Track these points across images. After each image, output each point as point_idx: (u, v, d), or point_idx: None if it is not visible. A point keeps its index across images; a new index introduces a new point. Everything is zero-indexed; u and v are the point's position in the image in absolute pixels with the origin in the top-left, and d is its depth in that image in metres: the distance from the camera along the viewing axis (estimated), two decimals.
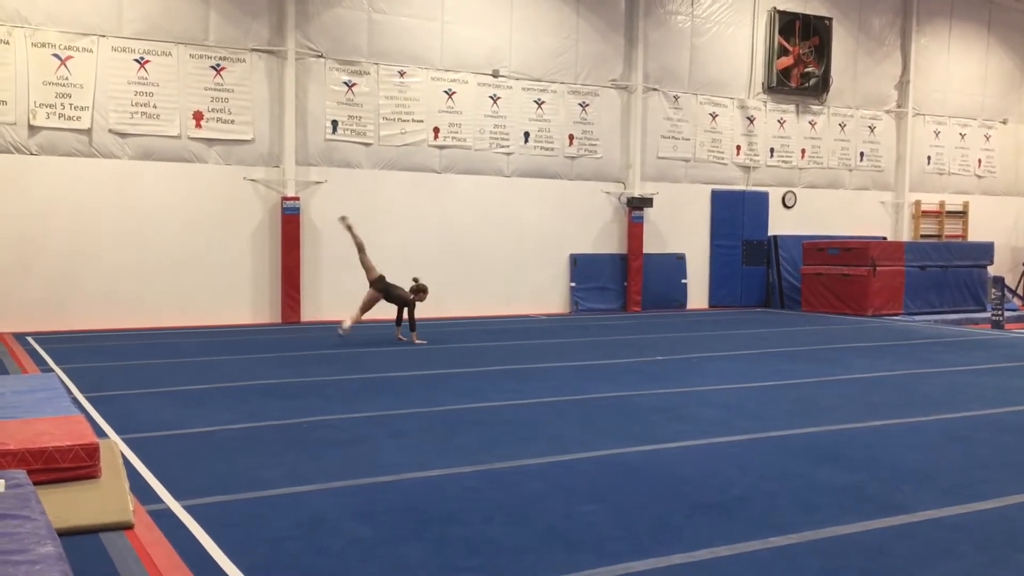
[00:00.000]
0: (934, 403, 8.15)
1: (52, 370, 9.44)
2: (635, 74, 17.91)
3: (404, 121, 15.99)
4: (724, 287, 19.36)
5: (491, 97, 16.77)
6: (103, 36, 13.75)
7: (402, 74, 15.92)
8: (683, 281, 18.89)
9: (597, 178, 17.95)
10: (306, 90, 15.19)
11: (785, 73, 19.47)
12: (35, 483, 4.31)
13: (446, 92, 16.33)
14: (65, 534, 3.98)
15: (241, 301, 14.98)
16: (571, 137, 17.61)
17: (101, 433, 6.39)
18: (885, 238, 20.60)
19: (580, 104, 17.63)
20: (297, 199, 14.98)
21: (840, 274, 17.78)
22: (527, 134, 17.15)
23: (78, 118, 13.62)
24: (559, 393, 8.42)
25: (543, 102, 17.25)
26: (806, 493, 5.14)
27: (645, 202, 18.00)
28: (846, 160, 20.67)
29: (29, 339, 12.31)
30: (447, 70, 16.30)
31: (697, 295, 19.15)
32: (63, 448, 4.98)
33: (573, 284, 17.77)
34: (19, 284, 13.40)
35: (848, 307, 17.58)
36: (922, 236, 21.43)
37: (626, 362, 10.67)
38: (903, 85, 21.09)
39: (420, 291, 12.45)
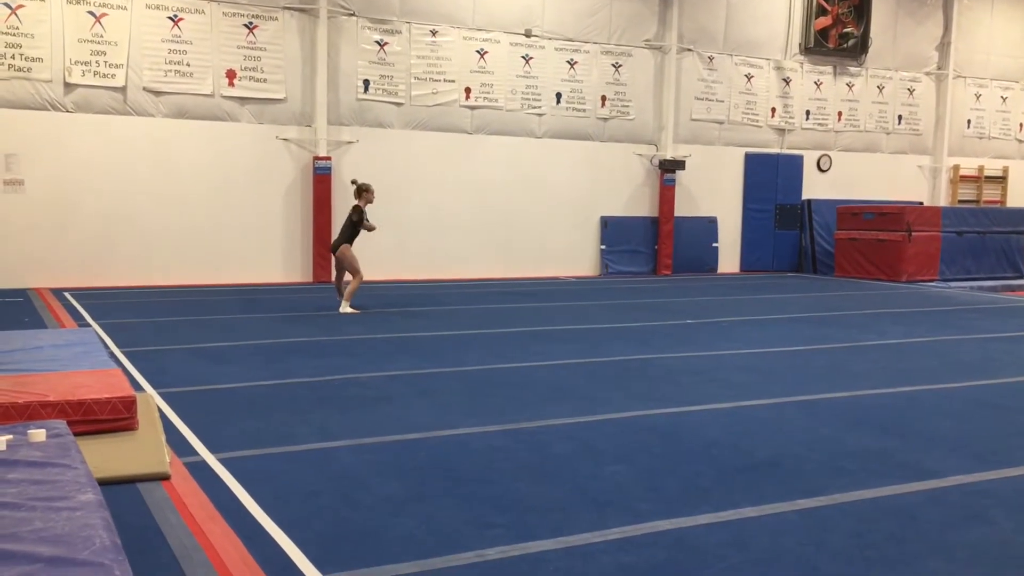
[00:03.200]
0: (968, 370, 8.07)
1: (89, 325, 9.60)
2: (669, 34, 17.66)
3: (436, 81, 15.92)
4: (756, 251, 19.22)
5: (523, 57, 16.63)
6: None
7: (434, 33, 15.82)
8: (714, 245, 18.77)
9: (629, 140, 17.80)
10: (338, 49, 15.16)
11: (823, 34, 19.10)
12: (74, 434, 4.40)
13: (478, 52, 16.21)
14: (104, 484, 4.06)
15: (273, 260, 15.10)
16: (603, 98, 17.44)
17: (137, 387, 6.51)
18: (922, 203, 20.29)
19: (613, 65, 17.44)
20: (329, 159, 15.02)
21: (875, 239, 17.56)
22: (559, 95, 17.01)
23: (113, 76, 13.71)
24: (588, 355, 8.43)
25: (576, 62, 17.08)
26: (835, 457, 5.12)
27: (677, 164, 17.84)
28: (884, 123, 20.32)
29: (67, 295, 12.52)
30: (479, 29, 16.17)
31: (729, 259, 19.02)
32: (101, 400, 5.08)
33: (603, 247, 17.71)
34: (57, 240, 13.60)
35: (882, 272, 17.39)
36: (960, 201, 21.08)
37: (656, 325, 10.65)
38: (944, 47, 20.62)
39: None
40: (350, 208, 11.42)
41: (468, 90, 16.21)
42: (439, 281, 15.74)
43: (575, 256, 17.50)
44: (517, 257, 16.87)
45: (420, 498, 4.32)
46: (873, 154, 20.33)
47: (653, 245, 18.15)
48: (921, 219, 17.49)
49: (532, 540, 3.79)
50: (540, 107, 16.87)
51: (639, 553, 3.69)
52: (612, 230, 17.78)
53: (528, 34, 16.58)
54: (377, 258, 14.99)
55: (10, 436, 4.00)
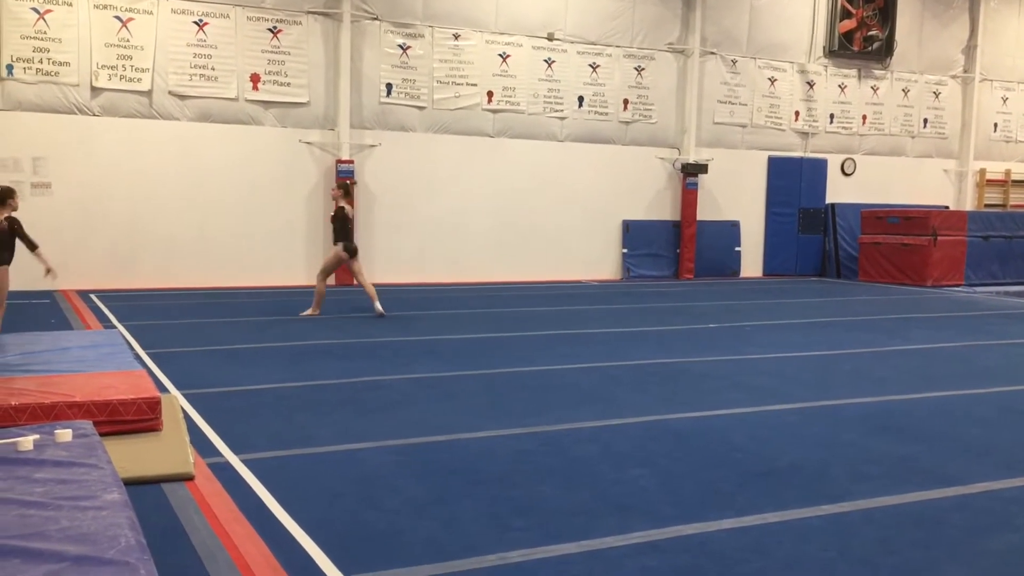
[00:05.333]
0: (994, 376, 7.98)
1: (115, 327, 9.68)
2: (692, 37, 17.61)
3: (458, 85, 15.96)
4: (779, 255, 19.10)
5: (545, 61, 16.63)
6: None
7: (456, 37, 15.86)
8: (737, 249, 18.68)
9: (651, 143, 17.76)
10: (361, 53, 15.22)
11: (847, 36, 18.98)
12: (100, 434, 4.44)
13: (500, 55, 16.23)
14: (128, 483, 4.09)
15: (296, 263, 15.17)
16: (626, 102, 17.41)
17: (162, 388, 6.56)
18: (947, 207, 20.10)
19: (635, 68, 17.41)
20: (351, 162, 15.08)
21: (900, 243, 17.42)
22: (581, 98, 17.00)
23: (139, 80, 13.84)
24: (610, 358, 8.41)
25: (598, 66, 17.06)
26: (859, 463, 5.08)
27: (700, 168, 17.78)
28: (909, 127, 20.15)
29: (93, 297, 12.64)
30: (501, 33, 16.19)
31: (751, 263, 18.92)
32: (127, 401, 5.13)
33: (625, 250, 17.67)
34: (83, 242, 13.73)
35: (907, 277, 17.24)
36: (986, 206, 20.86)
37: (678, 329, 10.62)
38: (970, 49, 20.43)
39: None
40: (335, 210, 11.40)
41: (490, 94, 16.23)
42: (461, 284, 15.76)
43: (597, 260, 17.47)
44: (539, 260, 16.86)
45: (442, 500, 4.33)
46: (898, 158, 20.17)
47: (675, 249, 18.09)
48: (947, 223, 17.33)
49: (554, 543, 3.79)
50: (562, 110, 16.86)
51: (662, 558, 3.68)
52: (634, 234, 17.73)
53: (550, 38, 16.58)
54: (399, 261, 15.04)
55: (37, 436, 4.04)
